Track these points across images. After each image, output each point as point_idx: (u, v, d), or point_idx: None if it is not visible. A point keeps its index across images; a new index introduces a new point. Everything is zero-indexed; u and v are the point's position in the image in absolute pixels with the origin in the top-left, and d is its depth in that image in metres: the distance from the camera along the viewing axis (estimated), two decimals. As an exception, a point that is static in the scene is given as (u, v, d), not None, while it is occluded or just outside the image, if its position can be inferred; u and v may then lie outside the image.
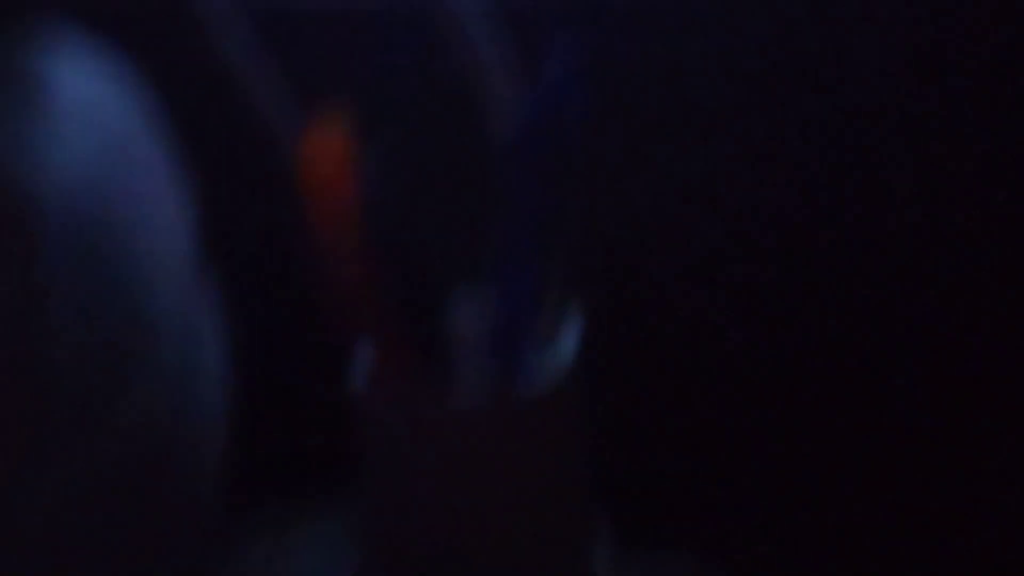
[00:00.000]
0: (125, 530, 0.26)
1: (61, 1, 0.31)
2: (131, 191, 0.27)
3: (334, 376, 0.35)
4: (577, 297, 0.35)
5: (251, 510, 0.36)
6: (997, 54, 0.35)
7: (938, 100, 0.36)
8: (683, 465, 0.43)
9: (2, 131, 0.25)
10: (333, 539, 0.37)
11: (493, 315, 0.32)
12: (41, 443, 0.24)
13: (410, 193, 0.29)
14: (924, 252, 0.37)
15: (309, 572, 0.35)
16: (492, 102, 0.31)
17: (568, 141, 0.29)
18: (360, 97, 0.33)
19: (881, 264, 0.38)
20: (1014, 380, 0.38)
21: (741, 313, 0.41)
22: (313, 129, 0.29)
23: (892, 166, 0.37)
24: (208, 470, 0.29)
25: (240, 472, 0.32)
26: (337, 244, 0.29)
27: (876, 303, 0.39)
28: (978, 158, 0.37)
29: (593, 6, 0.35)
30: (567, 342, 0.33)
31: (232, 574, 0.33)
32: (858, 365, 0.40)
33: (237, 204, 0.34)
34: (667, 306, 0.40)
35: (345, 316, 0.32)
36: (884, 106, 0.36)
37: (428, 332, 0.31)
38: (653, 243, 0.39)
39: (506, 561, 0.32)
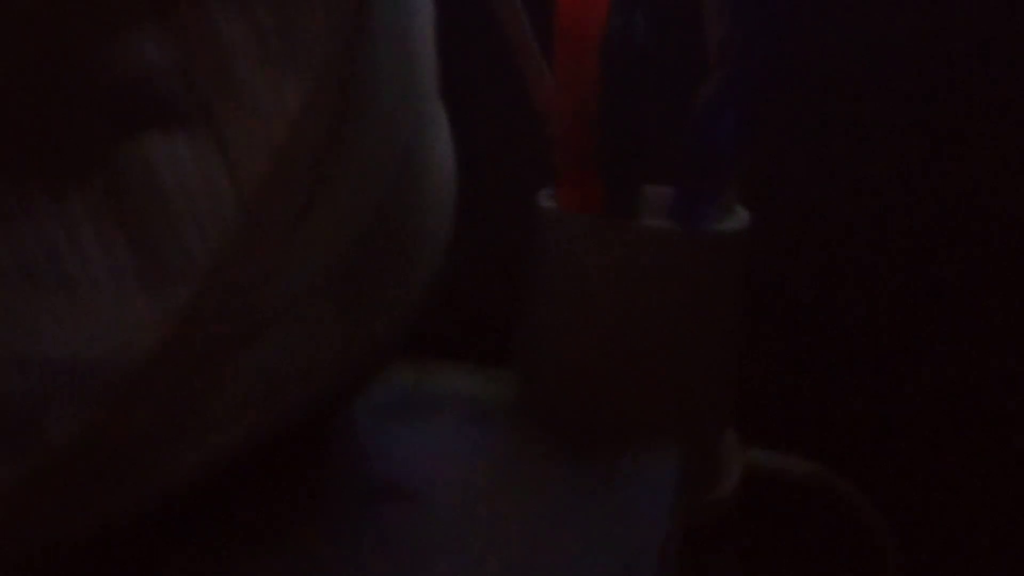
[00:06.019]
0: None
1: None
2: None
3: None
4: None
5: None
6: None
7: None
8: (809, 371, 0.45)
9: None
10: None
11: (685, 172, 0.33)
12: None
13: (648, 43, 0.30)
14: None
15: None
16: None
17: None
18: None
19: None
20: None
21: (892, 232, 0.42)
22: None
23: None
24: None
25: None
26: (576, 69, 0.31)
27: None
28: None
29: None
30: (741, 215, 0.34)
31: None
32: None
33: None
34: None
35: (558, 137, 0.33)
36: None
37: (625, 171, 0.33)
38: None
39: (648, 397, 0.33)
